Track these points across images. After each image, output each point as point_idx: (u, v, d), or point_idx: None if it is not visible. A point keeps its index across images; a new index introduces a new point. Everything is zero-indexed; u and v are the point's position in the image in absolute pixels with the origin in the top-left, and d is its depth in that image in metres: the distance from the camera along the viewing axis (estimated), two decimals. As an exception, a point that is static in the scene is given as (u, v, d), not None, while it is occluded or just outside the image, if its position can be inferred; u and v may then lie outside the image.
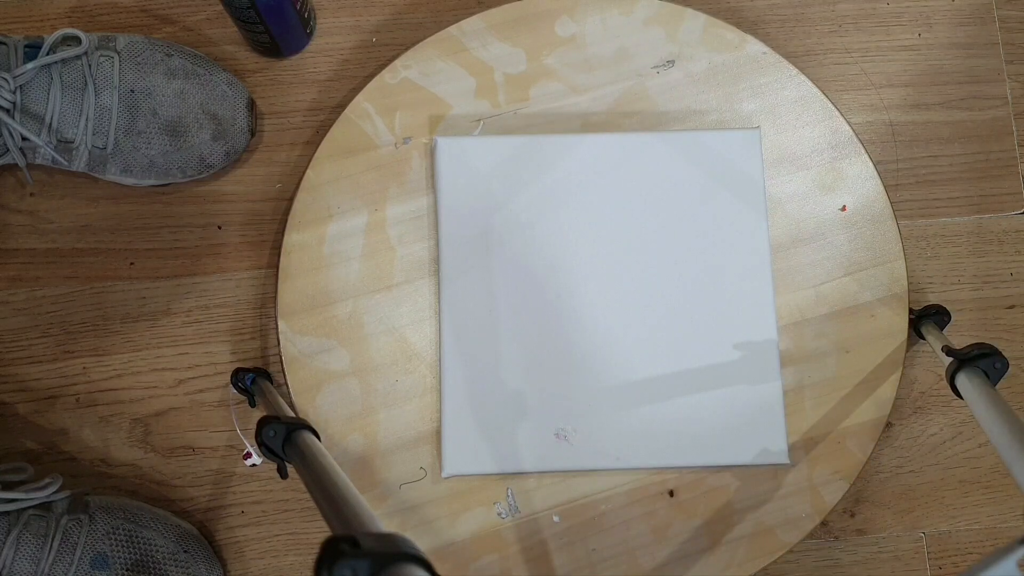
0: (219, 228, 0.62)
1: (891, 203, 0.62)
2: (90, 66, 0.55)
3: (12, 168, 0.61)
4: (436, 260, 0.59)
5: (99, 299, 0.61)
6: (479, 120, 0.61)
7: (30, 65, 0.53)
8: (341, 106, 0.62)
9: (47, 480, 0.54)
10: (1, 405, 0.60)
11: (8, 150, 0.55)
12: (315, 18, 0.64)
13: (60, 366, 0.60)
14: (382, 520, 0.52)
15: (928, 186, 0.65)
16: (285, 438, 0.47)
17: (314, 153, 0.60)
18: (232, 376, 0.58)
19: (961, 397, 0.52)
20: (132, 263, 0.62)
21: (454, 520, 0.57)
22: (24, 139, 0.55)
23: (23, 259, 0.61)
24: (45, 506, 0.53)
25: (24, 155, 0.56)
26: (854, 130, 0.62)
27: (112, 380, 0.60)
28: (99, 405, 0.60)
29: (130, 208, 0.62)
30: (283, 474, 0.49)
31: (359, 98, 0.61)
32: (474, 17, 0.62)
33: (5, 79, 0.53)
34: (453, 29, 0.62)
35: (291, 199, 0.60)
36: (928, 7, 0.67)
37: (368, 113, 0.61)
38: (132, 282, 0.61)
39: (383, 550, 0.31)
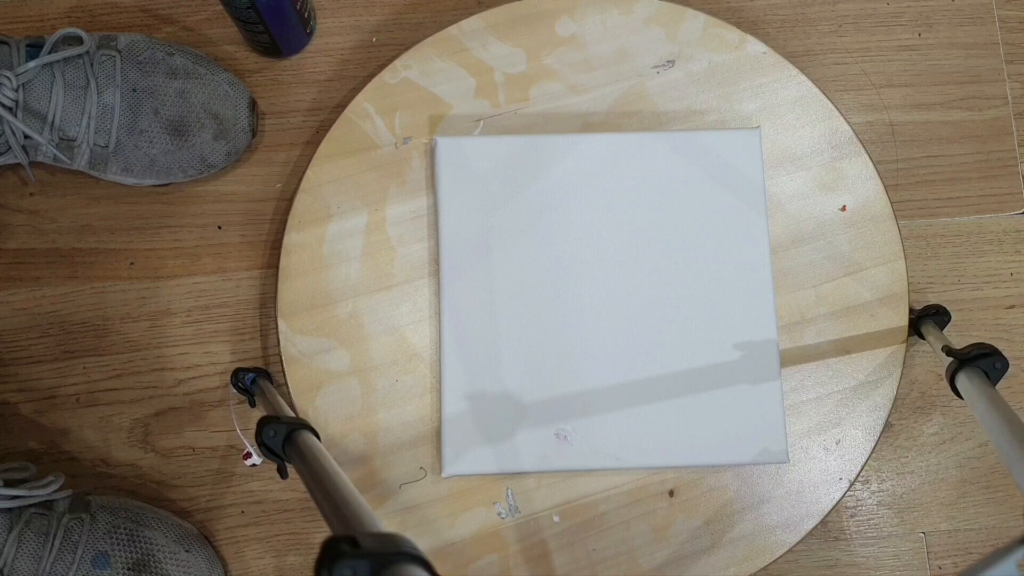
0: (219, 228, 0.62)
1: (891, 203, 0.62)
2: (92, 65, 0.55)
3: (14, 167, 0.61)
4: (436, 260, 0.59)
5: (99, 299, 0.61)
6: (479, 120, 0.61)
7: (33, 64, 0.53)
8: (341, 106, 0.62)
9: (49, 478, 0.54)
10: (1, 405, 0.60)
11: (10, 148, 0.55)
12: (315, 18, 0.64)
13: (60, 366, 0.60)
14: (382, 520, 0.52)
15: (928, 186, 0.65)
16: (285, 438, 0.47)
17: (314, 153, 0.60)
18: (232, 376, 0.58)
19: (961, 397, 0.52)
20: (132, 263, 0.62)
21: (454, 520, 0.57)
22: (26, 137, 0.55)
23: (23, 259, 0.61)
24: (47, 504, 0.53)
25: (26, 153, 0.56)
26: (854, 130, 0.62)
27: (112, 380, 0.60)
28: (99, 405, 0.60)
29: (130, 208, 0.62)
30: (283, 474, 0.49)
31: (359, 98, 0.61)
32: (474, 17, 0.62)
33: (8, 77, 0.53)
34: (453, 29, 0.62)
35: (291, 199, 0.60)
36: (928, 7, 0.67)
37: (368, 113, 0.61)
38: (132, 282, 0.61)
39: (383, 550, 0.31)
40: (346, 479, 0.41)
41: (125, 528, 0.54)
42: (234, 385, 0.58)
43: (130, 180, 0.59)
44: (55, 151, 0.55)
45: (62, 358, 0.61)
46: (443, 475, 0.56)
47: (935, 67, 0.66)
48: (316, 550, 0.46)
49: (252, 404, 0.59)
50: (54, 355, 0.61)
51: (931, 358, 0.63)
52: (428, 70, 0.62)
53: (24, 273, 0.61)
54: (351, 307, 0.59)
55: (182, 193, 0.62)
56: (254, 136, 0.61)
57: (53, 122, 0.55)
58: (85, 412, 0.60)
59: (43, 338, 0.61)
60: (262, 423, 0.47)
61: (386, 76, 0.61)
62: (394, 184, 0.60)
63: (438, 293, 0.59)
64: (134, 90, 0.56)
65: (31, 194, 0.62)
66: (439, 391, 0.58)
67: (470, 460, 0.56)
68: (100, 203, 0.62)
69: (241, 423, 0.60)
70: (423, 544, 0.57)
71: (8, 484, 0.52)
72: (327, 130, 0.61)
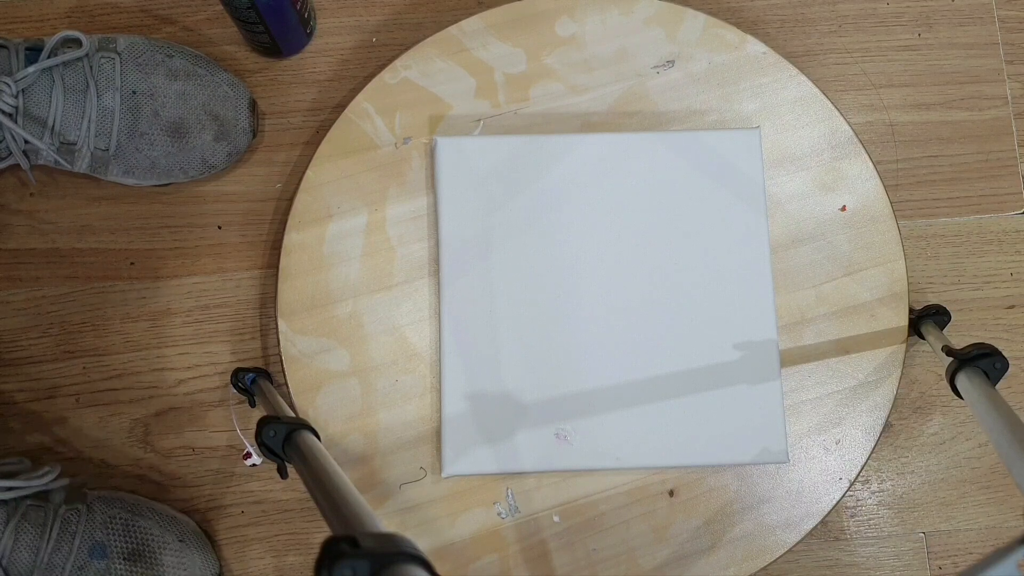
0: (219, 228, 0.62)
1: (891, 203, 0.62)
2: (91, 68, 0.55)
3: (14, 168, 0.61)
4: (436, 260, 0.59)
5: (99, 299, 0.61)
6: (479, 120, 0.61)
7: (32, 68, 0.53)
8: (341, 106, 0.62)
9: (45, 469, 0.54)
10: (1, 405, 0.60)
11: (11, 153, 0.55)
12: (315, 18, 0.64)
13: (60, 366, 0.60)
14: (382, 520, 0.52)
15: (928, 186, 0.65)
16: (285, 438, 0.47)
17: (314, 153, 0.60)
18: (232, 376, 0.58)
19: (961, 397, 0.52)
20: (132, 263, 0.62)
21: (454, 520, 0.57)
22: (27, 142, 0.55)
23: (23, 259, 0.61)
24: (43, 496, 0.53)
25: (27, 157, 0.56)
26: (854, 130, 0.62)
27: (112, 380, 0.60)
28: (99, 405, 0.60)
29: (130, 208, 0.62)
30: (283, 474, 0.49)
31: (359, 98, 0.61)
32: (474, 17, 0.62)
33: (7, 83, 0.53)
34: (453, 29, 0.62)
35: (291, 199, 0.60)
36: (928, 7, 0.67)
37: (368, 113, 0.61)
38: (132, 282, 0.61)
39: (383, 550, 0.31)
40: (346, 479, 0.41)
41: (121, 519, 0.54)
42: (234, 385, 0.58)
43: (131, 181, 0.59)
44: (56, 156, 0.55)
45: (62, 358, 0.61)
46: (443, 475, 0.56)
47: (935, 67, 0.66)
48: (316, 550, 0.46)
49: (252, 404, 0.59)
50: (54, 355, 0.61)
51: (931, 358, 0.63)
52: (428, 70, 0.62)
53: (24, 273, 0.61)
54: (351, 307, 0.59)
55: (182, 193, 0.62)
56: (254, 137, 0.61)
57: (53, 127, 0.55)
58: (85, 412, 0.60)
59: (43, 338, 0.61)
60: (262, 423, 0.47)
61: (386, 76, 0.61)
62: (394, 184, 0.60)
63: (438, 293, 0.59)
64: (134, 92, 0.56)
65: (31, 195, 0.62)
66: (439, 391, 0.58)
67: (470, 460, 0.56)
68: (100, 203, 0.62)
69: (241, 423, 0.60)
70: (423, 544, 0.57)
71: (4, 475, 0.53)
72: (327, 130, 0.61)
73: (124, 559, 0.53)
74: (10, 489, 0.52)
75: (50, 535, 0.52)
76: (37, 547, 0.51)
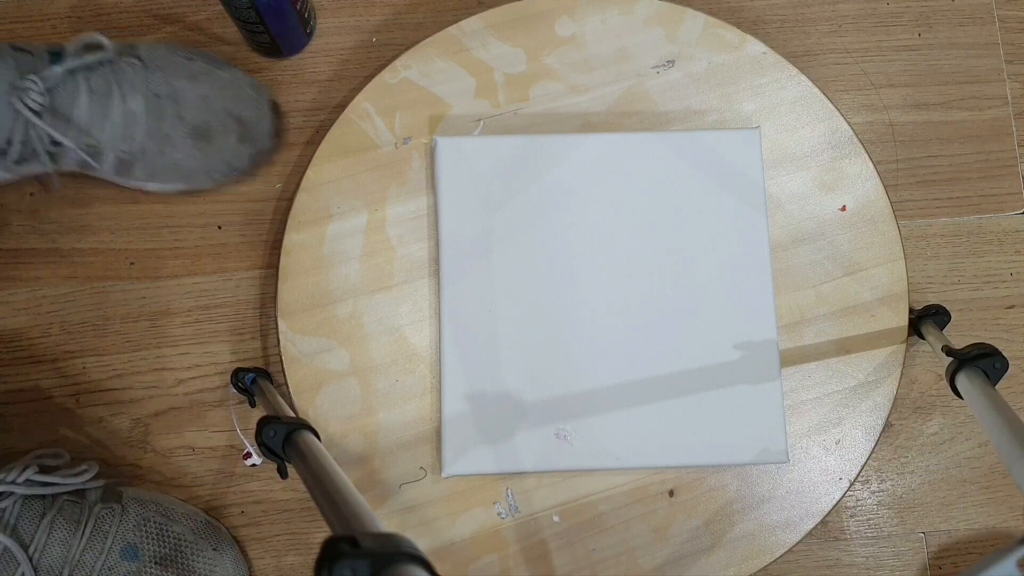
0: (219, 228, 0.62)
1: (891, 203, 0.62)
2: (114, 72, 0.55)
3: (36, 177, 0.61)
4: (436, 260, 0.59)
5: (99, 299, 0.61)
6: (479, 120, 0.61)
7: (59, 68, 0.53)
8: (341, 106, 0.62)
9: (83, 467, 0.55)
10: (1, 405, 0.60)
11: (35, 154, 0.55)
12: (315, 18, 0.64)
13: (60, 366, 0.60)
14: (382, 520, 0.52)
15: (928, 186, 0.65)
16: (285, 438, 0.47)
17: (314, 153, 0.60)
18: (232, 376, 0.58)
19: (961, 397, 0.52)
20: (132, 263, 0.62)
21: (454, 520, 0.57)
22: (53, 142, 0.54)
23: (23, 259, 0.61)
24: (79, 493, 0.54)
25: (52, 160, 0.56)
26: (854, 130, 0.62)
27: (112, 380, 0.60)
28: (99, 405, 0.60)
29: (130, 208, 0.62)
30: (283, 474, 0.49)
31: (359, 98, 0.61)
32: (474, 17, 0.62)
33: (34, 81, 0.52)
34: (453, 29, 0.62)
35: (291, 199, 0.60)
36: (928, 7, 0.67)
37: (368, 113, 0.61)
38: (132, 282, 0.61)
39: (383, 550, 0.31)
40: (346, 479, 0.41)
41: (155, 522, 0.54)
42: (234, 385, 0.58)
43: (154, 186, 0.59)
44: (84, 156, 0.55)
45: (62, 358, 0.61)
46: (443, 475, 0.56)
47: (935, 67, 0.66)
48: (316, 550, 0.46)
49: (252, 404, 0.59)
50: (54, 355, 0.61)
51: (931, 358, 0.63)
52: (428, 70, 0.62)
53: (24, 273, 0.61)
54: (351, 307, 0.59)
55: (182, 193, 0.62)
56: (278, 138, 0.61)
57: (79, 128, 0.54)
58: (85, 412, 0.60)
59: (43, 338, 0.61)
60: (262, 423, 0.47)
61: (386, 76, 0.61)
62: (394, 184, 0.60)
63: (438, 293, 0.59)
64: (157, 96, 0.56)
65: (31, 194, 0.62)
66: (439, 391, 0.58)
67: (470, 460, 0.56)
68: (100, 203, 0.62)
69: (241, 423, 0.60)
70: (423, 544, 0.57)
71: (43, 470, 0.53)
72: (327, 130, 0.61)
73: (156, 563, 0.53)
74: (48, 484, 0.52)
75: (84, 532, 0.52)
76: (70, 543, 0.52)
